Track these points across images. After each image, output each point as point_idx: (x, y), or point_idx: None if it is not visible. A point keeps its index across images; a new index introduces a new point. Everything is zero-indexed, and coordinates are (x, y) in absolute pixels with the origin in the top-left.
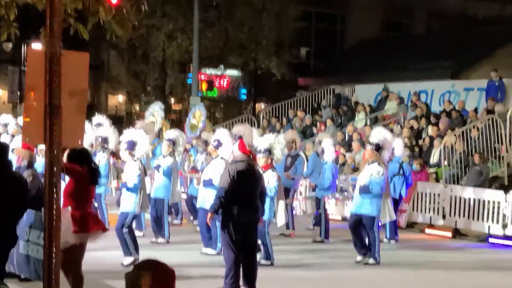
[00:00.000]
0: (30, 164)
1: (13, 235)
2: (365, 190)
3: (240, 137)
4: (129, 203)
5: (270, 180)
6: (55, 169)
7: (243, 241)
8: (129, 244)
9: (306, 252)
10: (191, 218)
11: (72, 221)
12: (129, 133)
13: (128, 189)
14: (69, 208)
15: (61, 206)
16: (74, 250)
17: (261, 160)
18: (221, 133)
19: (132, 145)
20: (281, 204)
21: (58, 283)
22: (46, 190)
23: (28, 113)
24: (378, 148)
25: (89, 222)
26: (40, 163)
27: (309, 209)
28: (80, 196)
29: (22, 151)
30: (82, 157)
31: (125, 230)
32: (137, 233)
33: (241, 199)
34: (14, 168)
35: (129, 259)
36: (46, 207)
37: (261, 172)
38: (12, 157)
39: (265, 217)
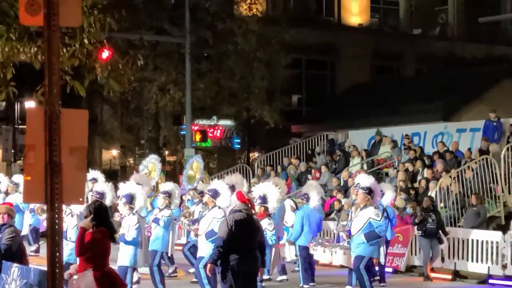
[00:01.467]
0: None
1: None
2: (371, 236)
3: (233, 186)
4: (126, 256)
5: (267, 229)
6: (57, 227)
7: None
8: None
9: None
10: (189, 270)
11: (95, 281)
12: (126, 187)
13: (126, 242)
14: (90, 270)
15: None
16: None
17: (256, 208)
18: (218, 183)
19: (130, 199)
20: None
21: None
22: (49, 248)
23: (29, 171)
24: (370, 192)
25: (111, 281)
26: (18, 220)
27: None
28: (100, 256)
29: (2, 206)
30: (102, 216)
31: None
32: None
33: (240, 248)
34: None
35: None
36: (48, 265)
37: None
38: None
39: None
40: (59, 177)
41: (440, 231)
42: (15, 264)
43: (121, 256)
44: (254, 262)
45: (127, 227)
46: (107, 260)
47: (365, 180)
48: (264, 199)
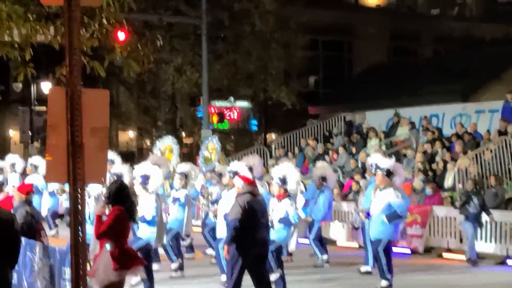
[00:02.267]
0: (28, 202)
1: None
2: (393, 217)
3: (251, 168)
4: (146, 234)
5: (288, 209)
6: (79, 207)
7: (252, 273)
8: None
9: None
10: (206, 251)
11: (112, 259)
12: (142, 167)
13: (146, 222)
14: (108, 245)
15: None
16: (114, 286)
17: (275, 189)
18: (238, 164)
19: (145, 179)
20: (295, 231)
21: None
22: (72, 229)
23: (51, 152)
24: (389, 173)
25: (129, 259)
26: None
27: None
28: (119, 233)
29: (16, 193)
30: (122, 196)
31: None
32: (154, 266)
33: (253, 230)
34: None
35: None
36: (72, 246)
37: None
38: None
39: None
40: (81, 157)
41: (484, 213)
42: (38, 243)
43: (141, 234)
44: (266, 244)
45: (144, 207)
46: (126, 239)
47: (384, 161)
48: (284, 181)
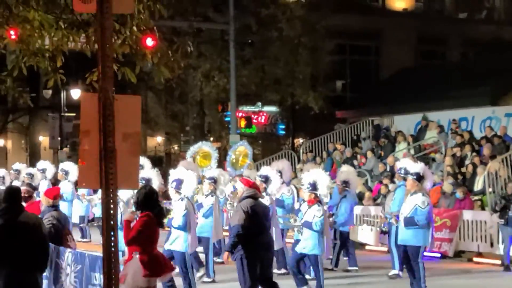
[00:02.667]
0: (55, 207)
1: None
2: (410, 222)
3: (280, 173)
4: (180, 242)
5: (315, 215)
6: (112, 212)
7: (260, 276)
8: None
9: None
10: None
11: (142, 265)
12: (176, 172)
13: (174, 227)
14: (137, 254)
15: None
16: None
17: (305, 195)
18: (268, 169)
19: (179, 184)
20: (326, 239)
21: None
22: (104, 233)
23: (83, 157)
24: (420, 178)
25: (158, 265)
26: (64, 208)
27: None
28: (147, 239)
29: (43, 198)
30: (150, 201)
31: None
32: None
33: (258, 234)
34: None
35: None
36: (104, 250)
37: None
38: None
39: (316, 252)
40: (113, 163)
41: None
42: (69, 250)
43: (174, 241)
44: (271, 247)
45: (176, 212)
46: (155, 245)
47: (414, 166)
48: (314, 186)
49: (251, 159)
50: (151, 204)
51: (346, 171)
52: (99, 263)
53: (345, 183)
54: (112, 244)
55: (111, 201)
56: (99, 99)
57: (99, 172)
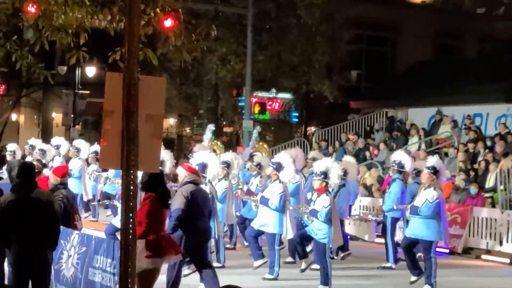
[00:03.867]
0: (63, 185)
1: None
2: (413, 211)
3: (293, 160)
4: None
5: (323, 205)
6: (131, 193)
7: (193, 259)
8: None
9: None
10: (245, 242)
11: (145, 246)
12: (200, 155)
13: None
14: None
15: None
16: (147, 274)
17: (315, 183)
18: (282, 156)
19: (203, 168)
20: (335, 228)
21: None
22: (123, 215)
23: (106, 137)
24: (435, 172)
25: (162, 247)
26: (73, 185)
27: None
28: (153, 221)
29: (51, 176)
30: (156, 182)
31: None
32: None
33: (194, 220)
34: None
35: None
36: (122, 232)
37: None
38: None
39: (324, 240)
40: (135, 144)
41: None
42: (76, 231)
43: None
44: (206, 233)
45: None
46: (162, 226)
47: (431, 159)
48: (325, 175)
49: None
50: (155, 186)
51: (346, 161)
52: (104, 246)
53: (344, 173)
54: (131, 225)
55: (132, 182)
56: (124, 79)
57: (121, 153)
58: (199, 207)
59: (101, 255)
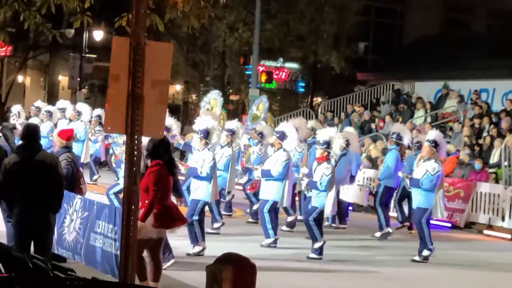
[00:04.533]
0: (68, 149)
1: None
2: (414, 183)
3: (296, 130)
4: (202, 191)
5: (323, 173)
6: (135, 158)
7: None
8: (198, 233)
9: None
10: (248, 210)
11: (153, 217)
12: (203, 121)
13: (199, 178)
14: (147, 201)
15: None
16: (149, 242)
17: (317, 151)
18: (286, 125)
19: (206, 134)
20: (331, 195)
21: (134, 278)
22: (126, 180)
23: (111, 102)
24: (436, 145)
25: (169, 217)
26: (77, 149)
27: None
28: (160, 189)
29: (57, 139)
30: (162, 149)
31: (195, 218)
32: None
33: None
34: (52, 151)
35: (197, 248)
36: (125, 199)
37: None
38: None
39: (317, 204)
40: (141, 109)
41: None
42: (78, 196)
43: (194, 190)
44: None
45: (200, 161)
46: (168, 194)
47: (431, 133)
48: (328, 144)
49: (266, 114)
50: (161, 153)
51: (347, 131)
52: (105, 211)
53: (346, 143)
54: (134, 189)
55: (135, 147)
56: (130, 44)
57: (125, 118)
58: None
59: (102, 220)
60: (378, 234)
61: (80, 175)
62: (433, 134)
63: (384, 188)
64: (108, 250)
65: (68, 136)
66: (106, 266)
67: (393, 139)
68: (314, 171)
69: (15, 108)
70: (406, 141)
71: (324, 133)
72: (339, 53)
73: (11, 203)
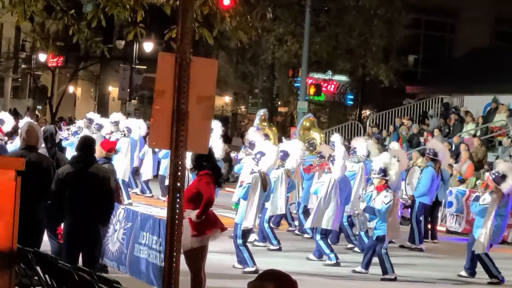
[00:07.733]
0: (108, 160)
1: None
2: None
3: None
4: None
5: (383, 201)
6: (179, 173)
7: None
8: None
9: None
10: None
11: (191, 225)
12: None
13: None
14: (187, 211)
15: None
16: (195, 253)
17: (375, 181)
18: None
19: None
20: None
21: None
22: (170, 195)
23: (156, 117)
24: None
25: (206, 224)
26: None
27: None
28: (200, 199)
29: (98, 149)
30: (206, 160)
31: (240, 241)
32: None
33: None
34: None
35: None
36: (169, 211)
37: None
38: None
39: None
40: (185, 125)
41: None
42: (122, 206)
43: (241, 214)
44: None
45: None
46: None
47: (501, 164)
48: (384, 172)
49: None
50: (205, 163)
51: (395, 149)
52: (149, 223)
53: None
54: (178, 205)
55: (180, 163)
56: (176, 59)
57: (170, 133)
58: None
59: (147, 231)
60: (408, 244)
61: (119, 187)
62: (503, 166)
63: (419, 204)
64: (153, 262)
65: (109, 148)
66: (152, 277)
67: (430, 156)
68: (374, 199)
69: (79, 123)
70: (441, 156)
71: (379, 161)
72: (388, 66)
73: (62, 213)
